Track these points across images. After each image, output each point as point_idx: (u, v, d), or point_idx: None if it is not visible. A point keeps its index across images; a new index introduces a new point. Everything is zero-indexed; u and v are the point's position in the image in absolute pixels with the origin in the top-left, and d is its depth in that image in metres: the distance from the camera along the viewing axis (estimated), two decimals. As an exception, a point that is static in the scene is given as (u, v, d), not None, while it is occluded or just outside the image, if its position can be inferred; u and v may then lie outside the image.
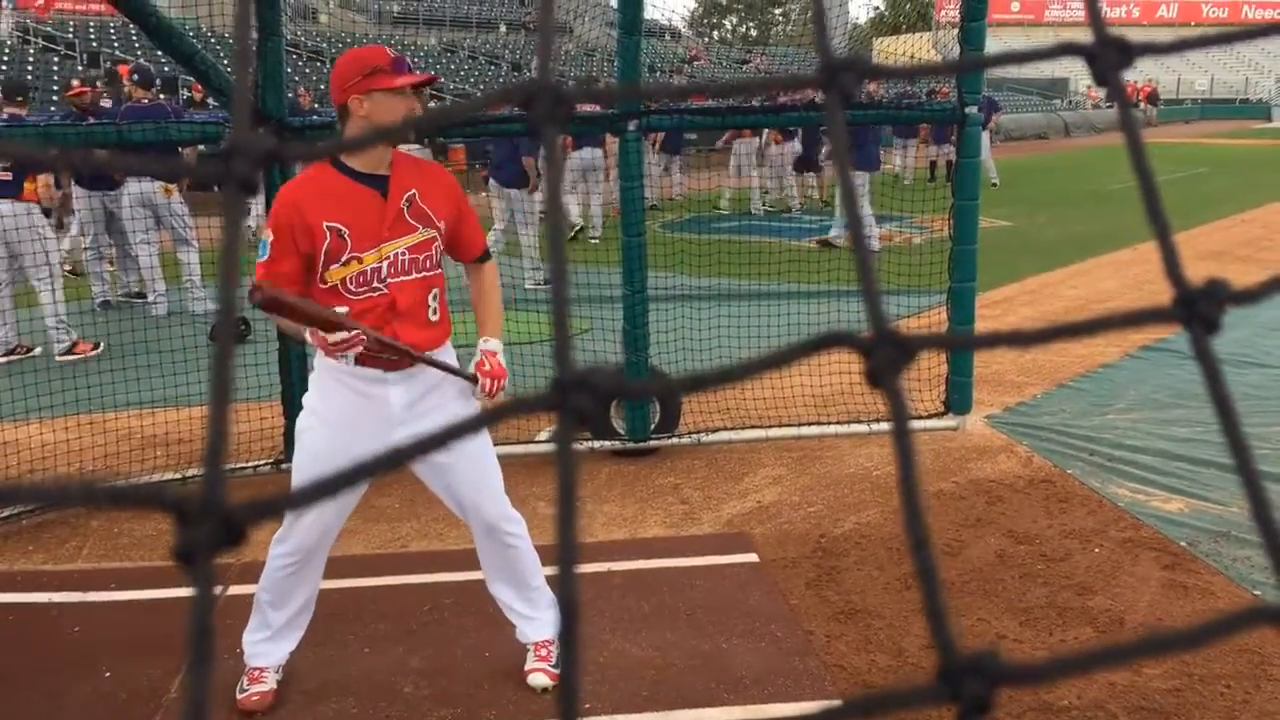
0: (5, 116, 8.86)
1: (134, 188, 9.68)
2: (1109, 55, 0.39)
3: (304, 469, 3.56)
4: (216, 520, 0.31)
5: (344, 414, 3.45)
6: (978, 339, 0.39)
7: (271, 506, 0.33)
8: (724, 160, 17.46)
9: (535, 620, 3.81)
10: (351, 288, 3.38)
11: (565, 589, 0.30)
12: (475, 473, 3.61)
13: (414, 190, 3.41)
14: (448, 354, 3.59)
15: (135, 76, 10.55)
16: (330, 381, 3.48)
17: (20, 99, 9.43)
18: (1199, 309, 0.38)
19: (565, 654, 0.33)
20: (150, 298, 9.90)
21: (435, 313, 3.52)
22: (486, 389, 3.53)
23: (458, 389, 3.59)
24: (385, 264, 3.38)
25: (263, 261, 3.36)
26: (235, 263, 0.34)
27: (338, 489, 0.34)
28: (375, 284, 3.39)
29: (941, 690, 0.34)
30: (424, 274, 3.45)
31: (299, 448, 3.54)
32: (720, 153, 17.91)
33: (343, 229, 3.34)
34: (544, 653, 3.83)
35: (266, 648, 3.71)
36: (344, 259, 3.36)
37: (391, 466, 0.37)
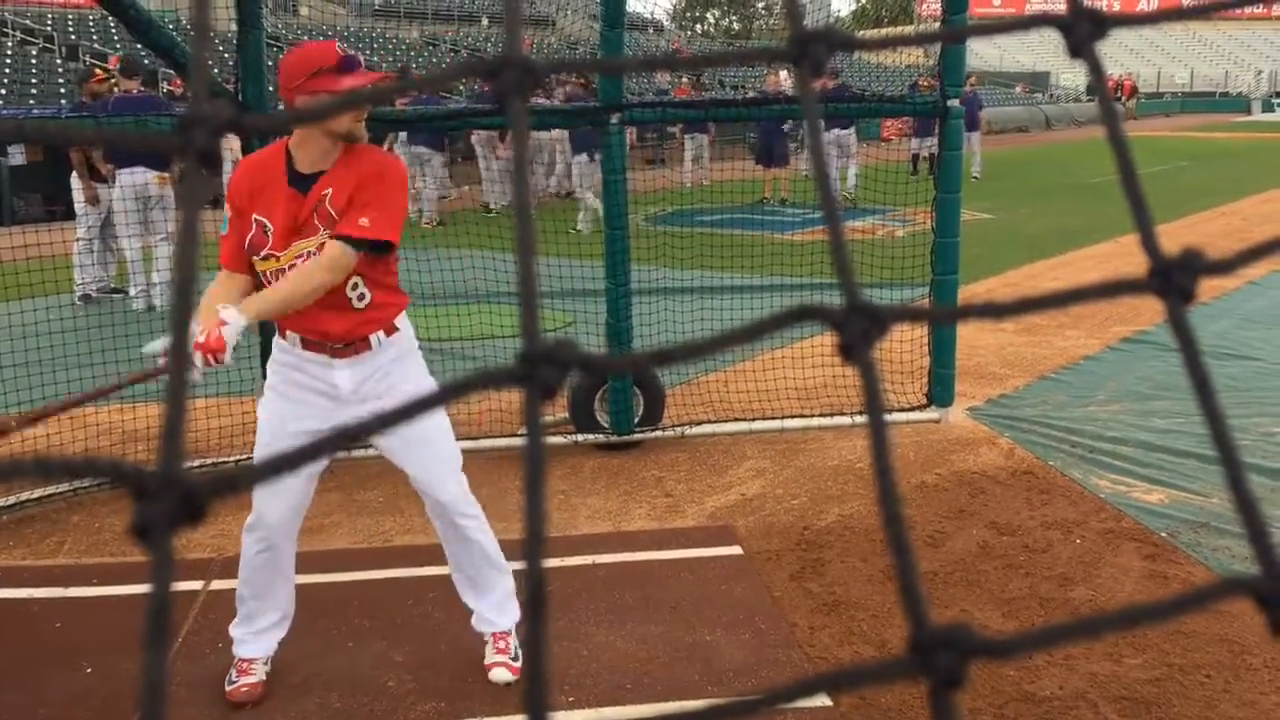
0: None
1: (127, 179, 9.59)
2: (1083, 27, 0.39)
3: (261, 446, 3.67)
4: (175, 494, 0.30)
5: (293, 393, 3.56)
6: (953, 311, 0.38)
7: (231, 481, 0.33)
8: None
9: (493, 610, 3.83)
10: (272, 281, 3.45)
11: (532, 558, 0.30)
12: (428, 455, 3.64)
13: (329, 190, 3.39)
14: (396, 340, 3.59)
15: (121, 67, 10.48)
16: (282, 364, 3.61)
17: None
18: (1175, 279, 0.38)
19: (532, 628, 0.33)
20: (131, 291, 9.81)
21: (363, 299, 3.49)
22: (196, 360, 3.18)
23: (411, 372, 3.64)
24: (299, 262, 3.41)
25: (223, 235, 3.50)
26: (194, 235, 0.33)
27: (291, 466, 0.33)
28: None
29: (913, 663, 0.33)
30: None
31: (258, 426, 3.67)
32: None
33: (267, 224, 3.40)
34: (502, 645, 3.84)
35: (253, 638, 3.74)
36: (263, 254, 3.43)
37: (340, 446, 0.37)
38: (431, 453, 3.64)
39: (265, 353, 5.63)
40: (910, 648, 0.34)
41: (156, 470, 0.31)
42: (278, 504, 3.57)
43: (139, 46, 6.61)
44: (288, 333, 3.55)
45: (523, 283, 0.36)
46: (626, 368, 0.36)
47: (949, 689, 0.33)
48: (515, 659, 3.81)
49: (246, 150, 5.66)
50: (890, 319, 0.37)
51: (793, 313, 0.37)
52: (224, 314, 3.21)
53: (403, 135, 14.41)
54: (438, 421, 3.67)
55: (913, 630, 0.34)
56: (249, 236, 3.42)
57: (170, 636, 0.31)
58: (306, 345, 3.53)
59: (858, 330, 0.36)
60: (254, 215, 3.40)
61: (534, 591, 0.31)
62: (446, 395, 0.37)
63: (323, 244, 3.38)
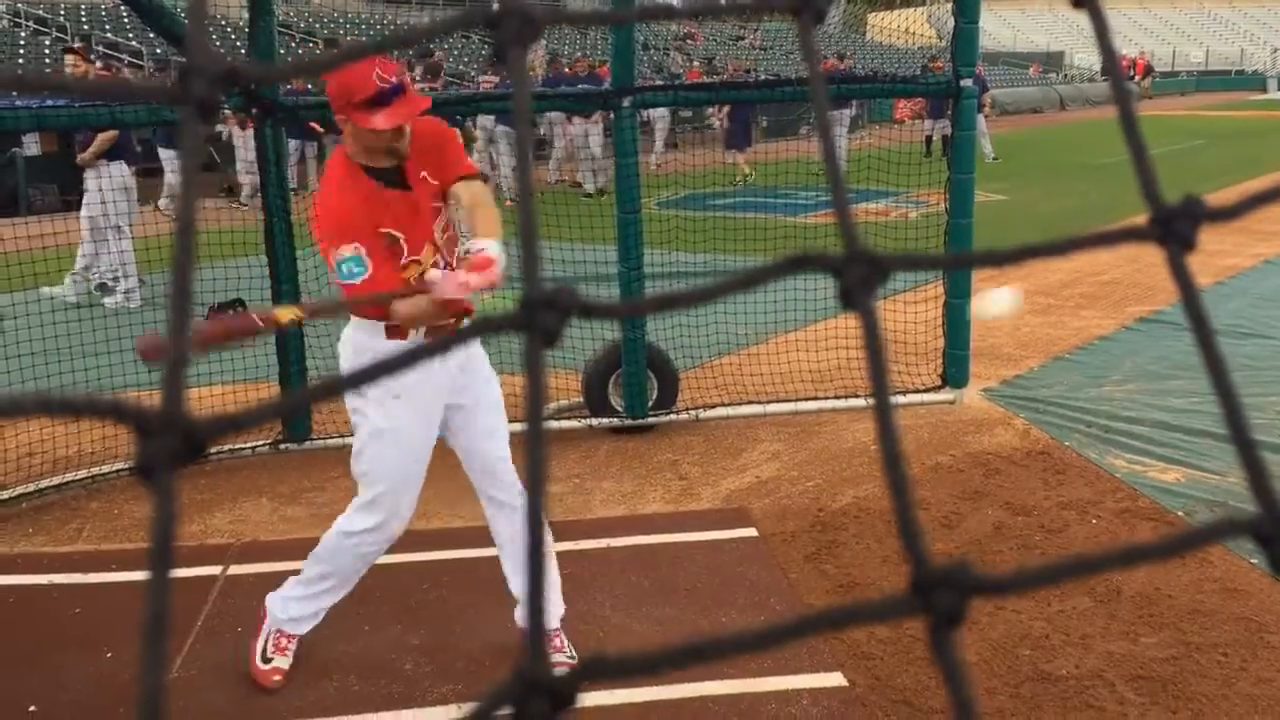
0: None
1: (105, 171, 9.31)
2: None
3: (400, 459, 3.52)
4: (178, 434, 0.31)
5: (413, 387, 3.40)
6: (953, 258, 0.38)
7: (233, 421, 0.33)
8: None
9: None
10: (414, 283, 3.38)
11: (533, 500, 0.30)
12: (493, 421, 3.62)
13: (422, 172, 3.39)
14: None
15: (91, 56, 10.26)
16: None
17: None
18: (1175, 227, 0.38)
19: (532, 565, 0.33)
20: (122, 285, 9.49)
21: None
22: (468, 282, 3.11)
23: (484, 351, 3.66)
24: (439, 255, 3.43)
25: (366, 279, 3.24)
26: (194, 191, 0.34)
27: (301, 402, 0.34)
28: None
29: (914, 603, 0.33)
30: (449, 232, 3.50)
31: (372, 432, 3.47)
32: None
33: (397, 235, 3.33)
34: (557, 643, 3.73)
35: (310, 619, 3.71)
36: (402, 263, 3.36)
37: (358, 384, 0.37)
38: (498, 420, 3.62)
39: (280, 343, 5.66)
40: (911, 587, 0.34)
41: (159, 410, 0.31)
42: (410, 499, 3.54)
43: (152, 35, 6.62)
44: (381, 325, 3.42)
45: (524, 227, 0.37)
46: (628, 313, 0.36)
47: (949, 627, 0.33)
48: (571, 657, 3.73)
49: (259, 133, 5.68)
50: (890, 266, 0.37)
51: (792, 261, 0.37)
52: (476, 245, 3.15)
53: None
54: (499, 395, 3.66)
55: (913, 571, 0.34)
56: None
57: (171, 565, 0.31)
58: (427, 334, 3.42)
59: (857, 276, 0.36)
60: (379, 229, 3.28)
61: (533, 531, 0.31)
62: (450, 343, 0.38)
63: (444, 228, 3.42)
